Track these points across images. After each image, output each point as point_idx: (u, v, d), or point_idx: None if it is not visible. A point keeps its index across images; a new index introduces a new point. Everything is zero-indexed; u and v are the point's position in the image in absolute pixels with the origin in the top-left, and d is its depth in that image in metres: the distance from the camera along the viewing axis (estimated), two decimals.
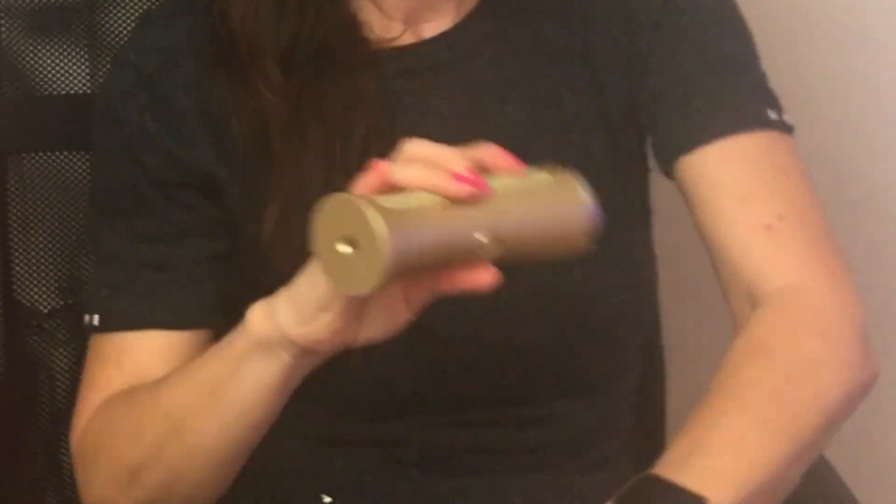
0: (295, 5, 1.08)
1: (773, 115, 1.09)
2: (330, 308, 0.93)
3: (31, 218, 1.29)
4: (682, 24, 1.11)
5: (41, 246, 1.29)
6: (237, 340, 1.00)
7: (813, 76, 1.60)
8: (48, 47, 1.27)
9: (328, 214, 0.88)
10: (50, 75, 1.27)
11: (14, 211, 1.28)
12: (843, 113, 1.62)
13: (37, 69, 1.27)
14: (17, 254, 1.29)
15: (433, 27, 1.12)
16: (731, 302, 1.07)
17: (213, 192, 1.11)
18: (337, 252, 0.87)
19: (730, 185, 1.07)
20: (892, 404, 1.62)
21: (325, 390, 1.03)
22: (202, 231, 1.11)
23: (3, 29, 1.26)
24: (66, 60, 1.27)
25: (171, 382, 1.06)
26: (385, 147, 1.06)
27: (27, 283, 1.28)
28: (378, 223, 0.85)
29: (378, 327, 0.96)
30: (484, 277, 0.92)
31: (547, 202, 0.95)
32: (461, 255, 0.91)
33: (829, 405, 0.98)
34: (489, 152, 0.93)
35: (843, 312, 1.03)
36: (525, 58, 1.12)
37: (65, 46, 1.27)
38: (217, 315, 1.11)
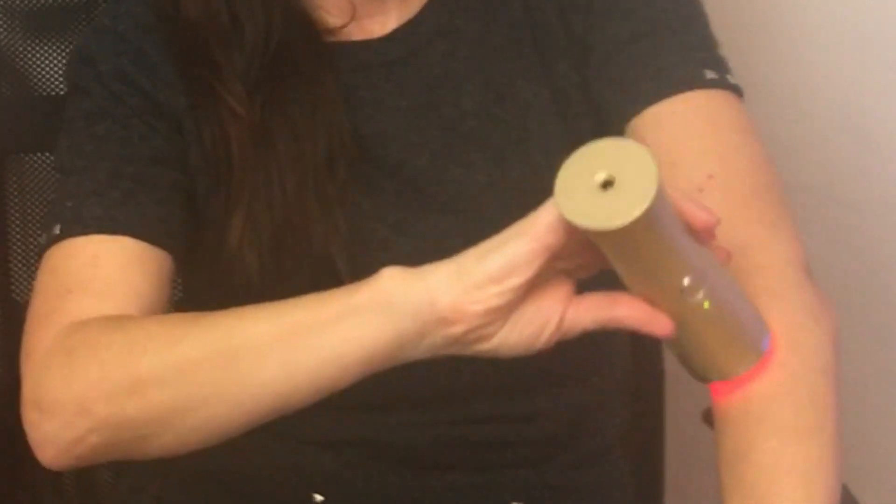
0: (248, 15, 1.09)
1: (710, 74, 1.07)
2: (505, 281, 0.88)
3: (31, 218, 1.29)
4: None
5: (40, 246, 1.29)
6: (356, 293, 0.92)
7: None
8: (47, 47, 1.27)
9: (589, 154, 0.86)
10: (50, 75, 1.28)
11: (13, 211, 1.28)
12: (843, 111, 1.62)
13: (37, 69, 1.28)
14: (16, 254, 1.29)
15: (382, 22, 1.13)
16: None
17: (187, 141, 1.10)
18: (590, 189, 0.84)
19: (661, 152, 1.01)
20: (892, 404, 1.62)
21: None
22: (179, 165, 1.09)
23: (3, 29, 1.27)
24: (65, 60, 1.27)
25: (244, 310, 0.96)
26: (349, 147, 1.06)
27: (26, 283, 1.28)
28: (653, 163, 0.84)
29: (519, 336, 0.90)
30: (661, 325, 0.89)
31: (743, 304, 0.93)
32: (661, 281, 0.88)
33: (827, 364, 0.95)
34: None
35: (787, 262, 0.99)
36: (478, 50, 1.12)
37: (64, 46, 1.27)
38: (181, 252, 1.07)
